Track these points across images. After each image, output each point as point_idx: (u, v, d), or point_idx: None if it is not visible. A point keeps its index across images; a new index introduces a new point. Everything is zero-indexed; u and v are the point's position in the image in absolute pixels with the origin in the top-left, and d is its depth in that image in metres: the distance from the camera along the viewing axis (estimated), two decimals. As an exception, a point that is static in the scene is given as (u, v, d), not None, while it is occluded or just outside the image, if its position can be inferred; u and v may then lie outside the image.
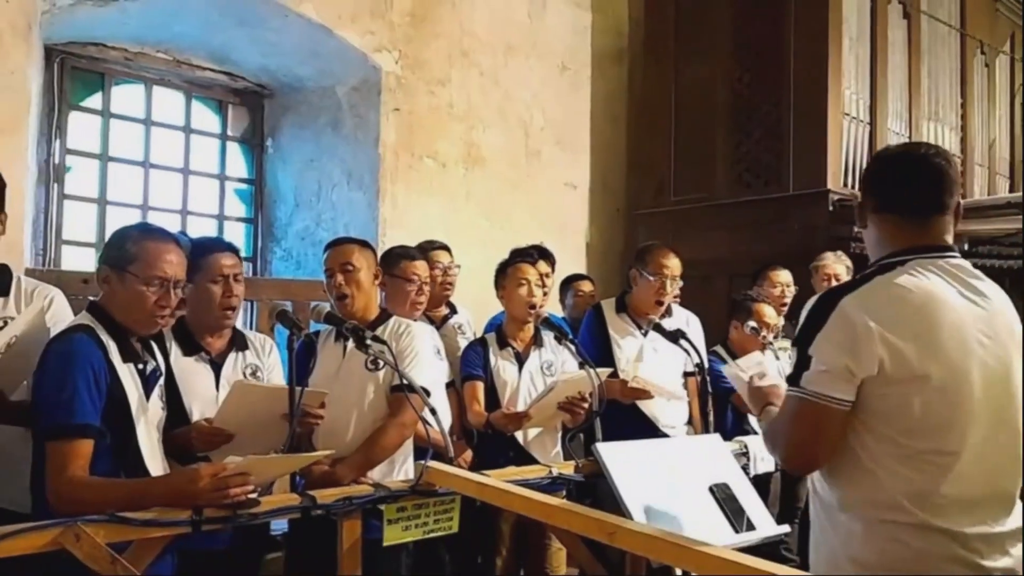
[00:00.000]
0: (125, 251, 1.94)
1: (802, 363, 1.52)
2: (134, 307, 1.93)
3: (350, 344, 2.43)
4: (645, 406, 3.21)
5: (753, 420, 3.50)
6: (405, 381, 2.24)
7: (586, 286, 4.19)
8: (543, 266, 3.54)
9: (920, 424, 1.46)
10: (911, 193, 1.57)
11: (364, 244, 2.70)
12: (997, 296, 1.58)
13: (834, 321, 1.49)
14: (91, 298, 2.03)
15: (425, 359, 2.57)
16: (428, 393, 2.46)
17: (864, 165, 4.82)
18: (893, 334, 1.45)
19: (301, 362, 2.52)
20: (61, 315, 2.17)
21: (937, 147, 1.64)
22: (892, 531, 1.47)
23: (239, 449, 1.98)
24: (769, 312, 3.65)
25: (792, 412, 1.55)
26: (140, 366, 1.97)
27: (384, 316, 2.64)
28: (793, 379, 1.54)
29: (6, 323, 2.09)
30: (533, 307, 3.02)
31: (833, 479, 1.55)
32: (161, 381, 2.06)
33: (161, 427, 2.05)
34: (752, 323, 3.57)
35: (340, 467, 2.37)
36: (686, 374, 3.41)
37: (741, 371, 1.93)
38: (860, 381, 1.47)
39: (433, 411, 2.20)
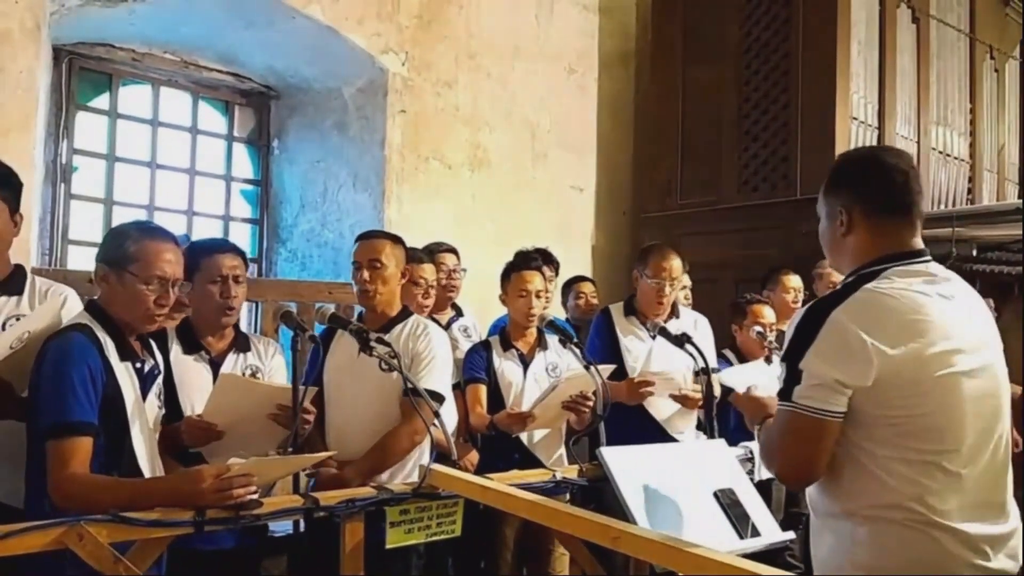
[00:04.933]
0: (124, 250, 1.94)
1: (793, 377, 1.52)
2: (133, 306, 1.94)
3: None
4: (655, 410, 3.19)
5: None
6: (412, 385, 2.22)
7: (587, 288, 4.19)
8: (546, 271, 3.52)
9: (920, 427, 1.48)
10: (896, 192, 1.59)
11: (396, 240, 2.67)
12: (970, 298, 1.62)
13: (826, 334, 1.49)
14: (91, 298, 2.04)
15: (441, 363, 2.54)
16: (442, 399, 2.45)
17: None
18: (886, 343, 1.46)
19: (312, 363, 2.52)
20: (74, 314, 2.17)
21: (899, 151, 1.70)
22: (899, 534, 1.47)
23: (231, 448, 1.98)
24: (767, 312, 3.63)
25: (786, 426, 1.54)
26: (137, 365, 1.97)
27: (404, 314, 2.62)
28: (785, 393, 1.53)
29: (19, 320, 2.09)
30: (532, 317, 3.01)
31: (834, 487, 1.55)
32: (159, 380, 2.06)
33: (158, 425, 2.06)
34: (757, 328, 3.56)
35: (348, 470, 2.37)
36: (695, 373, 3.39)
37: (735, 384, 1.93)
38: (851, 392, 1.48)
39: (437, 413, 2.19)
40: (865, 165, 1.66)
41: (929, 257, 1.61)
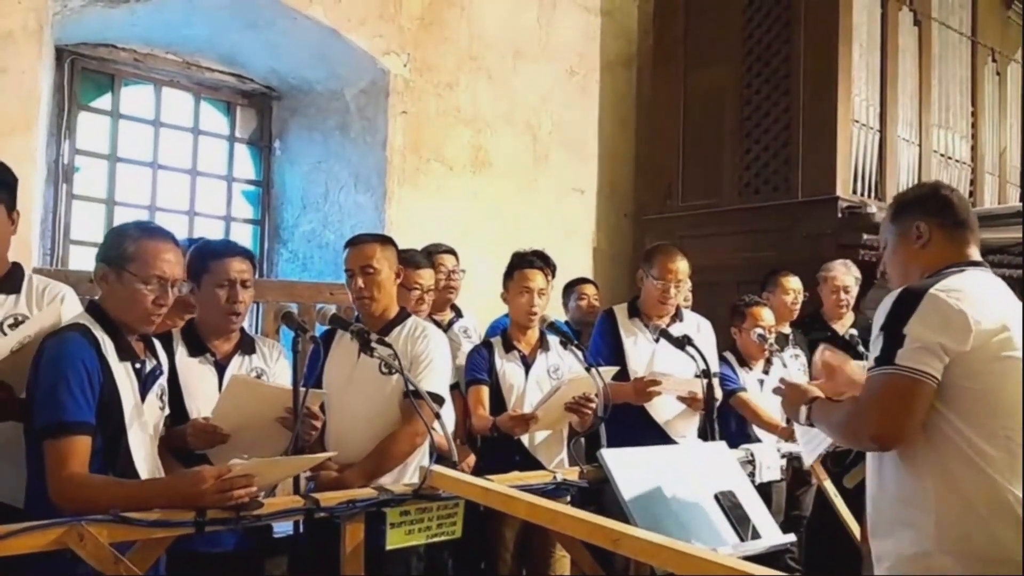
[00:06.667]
0: (124, 250, 1.94)
1: (895, 342, 1.66)
2: (131, 305, 1.93)
3: None
4: (656, 413, 3.18)
5: (757, 428, 3.48)
6: (414, 387, 2.22)
7: (589, 290, 4.18)
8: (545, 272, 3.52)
9: (998, 403, 1.65)
10: (958, 209, 1.86)
11: (385, 241, 2.67)
12: (1017, 301, 1.81)
13: (927, 305, 1.67)
14: (92, 298, 2.04)
15: (440, 364, 2.53)
16: (441, 400, 2.44)
17: (875, 173, 4.88)
18: (981, 317, 1.65)
19: (313, 364, 2.52)
20: (73, 313, 2.17)
21: (948, 186, 2.01)
22: (987, 510, 1.60)
23: (237, 452, 1.97)
24: (766, 315, 3.63)
25: (884, 388, 1.66)
26: (137, 365, 1.96)
27: (402, 316, 2.61)
28: (885, 358, 1.67)
29: (17, 320, 2.10)
30: (533, 315, 3.02)
31: (919, 463, 1.66)
32: (161, 381, 2.05)
33: (160, 427, 2.05)
34: (758, 330, 3.55)
35: (349, 473, 2.36)
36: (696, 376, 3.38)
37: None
38: (948, 361, 1.63)
39: (437, 415, 2.19)
40: (928, 193, 1.93)
41: (988, 267, 1.84)
